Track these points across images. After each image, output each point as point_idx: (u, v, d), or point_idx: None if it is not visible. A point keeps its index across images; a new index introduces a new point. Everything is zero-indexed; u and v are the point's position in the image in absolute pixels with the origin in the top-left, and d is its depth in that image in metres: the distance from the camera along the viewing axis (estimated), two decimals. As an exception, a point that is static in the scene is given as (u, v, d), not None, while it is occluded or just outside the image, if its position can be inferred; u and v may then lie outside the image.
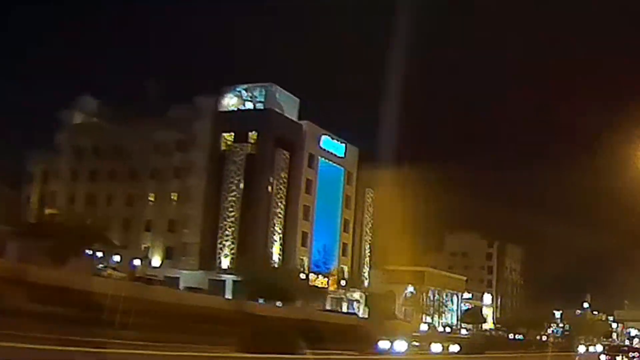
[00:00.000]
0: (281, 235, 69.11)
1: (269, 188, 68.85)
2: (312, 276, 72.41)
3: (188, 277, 64.27)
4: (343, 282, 77.52)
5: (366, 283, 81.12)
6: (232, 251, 67.06)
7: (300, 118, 74.71)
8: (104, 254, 56.77)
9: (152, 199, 72.85)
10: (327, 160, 76.38)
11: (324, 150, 75.99)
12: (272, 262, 65.14)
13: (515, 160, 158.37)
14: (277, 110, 71.55)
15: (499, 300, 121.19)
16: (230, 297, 55.38)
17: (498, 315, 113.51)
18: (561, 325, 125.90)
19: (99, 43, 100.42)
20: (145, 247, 70.47)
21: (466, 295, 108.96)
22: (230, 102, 73.39)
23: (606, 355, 52.70)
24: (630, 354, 52.99)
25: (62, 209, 66.44)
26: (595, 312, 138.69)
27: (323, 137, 75.76)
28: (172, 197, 71.85)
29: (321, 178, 75.04)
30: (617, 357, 51.25)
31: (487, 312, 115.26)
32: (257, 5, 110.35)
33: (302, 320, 34.52)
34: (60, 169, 75.54)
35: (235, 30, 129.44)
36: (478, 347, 45.69)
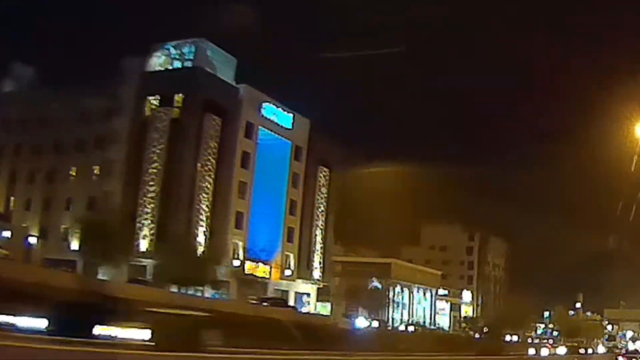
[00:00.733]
0: (208, 215, 59.08)
1: (195, 159, 58.97)
2: (250, 264, 62.78)
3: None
4: (288, 272, 67.51)
5: (317, 274, 70.84)
6: (152, 232, 57.42)
7: (240, 82, 64.89)
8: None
9: (73, 173, 64.17)
10: (270, 131, 66.37)
11: (267, 119, 65.94)
12: (196, 244, 55.74)
13: (501, 151, 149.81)
14: (207, 69, 61.61)
15: (480, 298, 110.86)
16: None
17: (478, 314, 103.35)
18: (550, 325, 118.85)
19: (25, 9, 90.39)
20: (64, 229, 61.11)
21: (442, 291, 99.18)
22: (157, 62, 63.62)
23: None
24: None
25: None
26: (588, 313, 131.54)
27: (265, 104, 65.76)
28: (94, 171, 62.91)
29: (263, 152, 64.89)
30: None
31: (467, 310, 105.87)
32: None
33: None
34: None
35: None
36: None
